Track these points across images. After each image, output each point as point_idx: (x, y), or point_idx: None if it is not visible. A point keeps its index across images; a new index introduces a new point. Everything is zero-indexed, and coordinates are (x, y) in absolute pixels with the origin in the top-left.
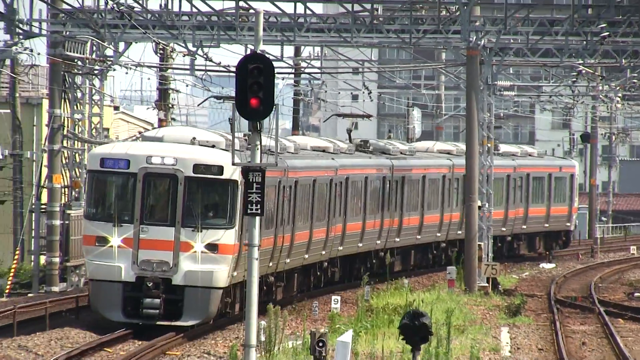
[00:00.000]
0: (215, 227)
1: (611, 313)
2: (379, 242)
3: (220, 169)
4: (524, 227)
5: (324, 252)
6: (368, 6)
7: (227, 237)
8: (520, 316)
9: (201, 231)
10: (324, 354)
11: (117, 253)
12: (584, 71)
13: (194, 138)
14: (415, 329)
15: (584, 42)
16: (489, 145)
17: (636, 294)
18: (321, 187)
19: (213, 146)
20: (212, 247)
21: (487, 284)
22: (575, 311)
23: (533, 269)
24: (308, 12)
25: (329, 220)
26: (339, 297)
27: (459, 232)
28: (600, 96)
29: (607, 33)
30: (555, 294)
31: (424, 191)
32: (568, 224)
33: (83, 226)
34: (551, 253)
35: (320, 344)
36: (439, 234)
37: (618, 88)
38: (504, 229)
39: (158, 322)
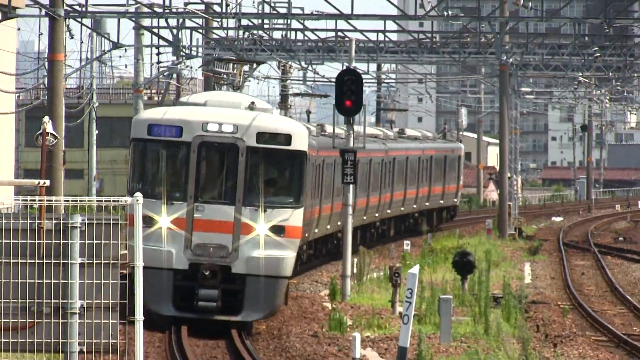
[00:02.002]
0: (282, 207)
1: (602, 252)
2: (414, 206)
3: (288, 138)
4: (427, 204)
5: (377, 214)
6: (429, 35)
7: (295, 218)
8: (538, 255)
9: (265, 211)
10: (398, 282)
11: (166, 236)
12: (582, 81)
13: (253, 102)
14: (463, 264)
15: (583, 60)
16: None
17: (619, 239)
18: (375, 165)
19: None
20: (278, 229)
21: (514, 232)
22: (577, 251)
23: (547, 221)
24: (387, 39)
25: (380, 190)
26: (409, 242)
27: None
28: (594, 98)
29: (599, 54)
30: (563, 239)
31: (430, 168)
32: (455, 200)
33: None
34: (438, 226)
35: (396, 275)
36: (427, 203)
37: (606, 93)
38: (414, 206)
39: (215, 317)
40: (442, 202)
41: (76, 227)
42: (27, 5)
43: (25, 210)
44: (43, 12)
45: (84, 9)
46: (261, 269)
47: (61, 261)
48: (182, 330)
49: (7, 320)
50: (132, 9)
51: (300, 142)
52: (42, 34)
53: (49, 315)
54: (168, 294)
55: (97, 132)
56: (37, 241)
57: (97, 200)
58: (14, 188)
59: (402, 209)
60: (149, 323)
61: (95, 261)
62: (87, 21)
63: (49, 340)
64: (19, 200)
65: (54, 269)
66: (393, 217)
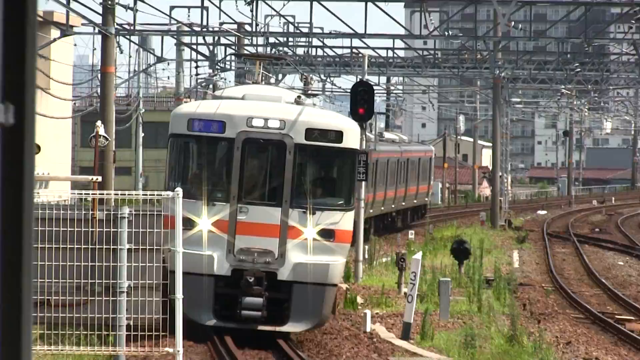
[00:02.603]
0: (332, 209)
1: (581, 241)
2: (427, 199)
3: (339, 135)
4: (403, 203)
5: (393, 206)
6: (432, 52)
7: (345, 221)
8: (525, 243)
9: (314, 213)
10: (404, 266)
11: (207, 239)
12: (564, 92)
13: (299, 96)
14: (460, 251)
15: (565, 75)
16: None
17: (596, 230)
18: (392, 164)
19: None
20: (328, 233)
21: (504, 223)
22: (559, 240)
23: (533, 214)
24: (395, 55)
25: (396, 185)
26: (413, 231)
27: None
28: (575, 108)
29: (579, 69)
30: (546, 229)
31: (407, 170)
32: (427, 199)
33: (164, 204)
34: (410, 224)
35: (402, 260)
36: (403, 203)
37: (586, 103)
38: (393, 206)
39: (259, 327)
40: (415, 201)
41: (124, 217)
42: (82, 24)
43: (81, 203)
44: (96, 30)
45: (132, 28)
46: (309, 275)
47: (111, 247)
48: (227, 340)
49: (65, 297)
50: (174, 28)
51: (352, 140)
52: (95, 49)
53: (101, 293)
54: (209, 302)
55: (143, 134)
56: (90, 229)
57: (143, 194)
58: (71, 183)
59: (385, 207)
60: (188, 333)
61: (140, 247)
62: (135, 38)
63: (100, 316)
64: (75, 193)
65: (105, 253)
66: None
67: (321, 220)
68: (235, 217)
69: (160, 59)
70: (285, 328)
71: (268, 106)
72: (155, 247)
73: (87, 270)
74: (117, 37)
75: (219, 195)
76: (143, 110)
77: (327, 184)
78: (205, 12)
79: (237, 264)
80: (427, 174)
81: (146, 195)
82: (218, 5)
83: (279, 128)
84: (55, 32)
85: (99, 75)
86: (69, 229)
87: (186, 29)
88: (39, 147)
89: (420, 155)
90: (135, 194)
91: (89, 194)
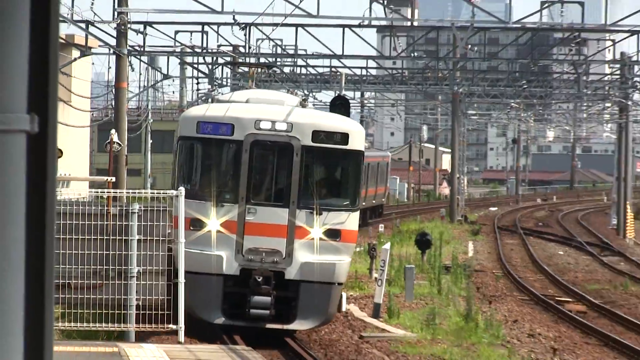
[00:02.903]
0: (338, 209)
1: (526, 233)
2: (383, 199)
3: (345, 137)
4: (364, 203)
5: (364, 203)
6: (400, 70)
7: (351, 221)
8: (478, 235)
9: (321, 214)
10: (375, 255)
11: (216, 240)
12: (513, 106)
13: (305, 99)
14: (423, 242)
15: (514, 90)
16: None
17: (539, 224)
18: (373, 167)
19: None
20: (334, 233)
21: (461, 218)
22: (507, 233)
23: (485, 210)
24: (368, 73)
25: (375, 185)
26: (383, 225)
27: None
28: (522, 119)
29: (526, 86)
30: (497, 223)
31: (368, 173)
32: (383, 199)
33: (173, 205)
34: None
35: (373, 250)
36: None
37: (531, 115)
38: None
39: (267, 326)
40: (374, 201)
41: (135, 212)
42: (99, 46)
43: (97, 200)
44: (111, 51)
45: (142, 49)
46: (316, 275)
47: (123, 237)
48: (236, 339)
49: (83, 281)
50: (178, 49)
51: (357, 142)
52: (110, 67)
53: (114, 277)
54: (217, 301)
55: (151, 141)
56: (105, 223)
57: (151, 193)
58: (89, 183)
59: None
60: (196, 331)
61: (148, 238)
62: (145, 58)
63: (113, 297)
64: (92, 192)
65: (117, 243)
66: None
67: (327, 221)
68: (244, 218)
69: (166, 76)
70: (292, 326)
71: (275, 109)
72: (161, 238)
73: (103, 258)
74: (129, 57)
75: (227, 196)
76: (151, 120)
77: (333, 185)
78: (205, 36)
79: (246, 264)
80: (385, 177)
81: (153, 193)
82: (216, 30)
83: (286, 130)
84: (75, 53)
85: (114, 90)
86: (87, 222)
87: (189, 50)
88: (61, 152)
89: (379, 160)
90: (144, 193)
91: (104, 192)
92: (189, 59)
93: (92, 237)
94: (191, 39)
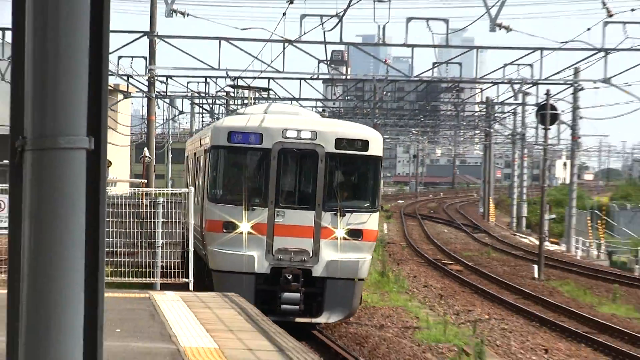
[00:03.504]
0: (359, 211)
1: (423, 218)
2: None
3: (365, 144)
4: None
5: None
6: (338, 108)
7: (372, 221)
8: (391, 219)
9: (344, 215)
10: None
11: (248, 241)
12: (414, 132)
13: (324, 110)
14: None
15: (414, 122)
16: None
17: (431, 211)
18: None
19: None
20: (356, 233)
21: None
22: (410, 217)
23: (395, 202)
24: (317, 111)
25: None
26: None
27: None
28: (420, 141)
29: (422, 119)
30: (403, 211)
31: None
32: None
33: (206, 210)
34: None
35: None
36: None
37: (426, 138)
38: None
39: (297, 320)
40: None
41: (160, 203)
42: (136, 91)
43: (135, 195)
44: (144, 95)
45: (165, 94)
46: (340, 271)
47: (152, 220)
48: None
49: (125, 249)
50: (189, 94)
51: (376, 148)
52: (143, 106)
53: (146, 247)
54: (250, 297)
55: (171, 155)
56: (140, 210)
57: (171, 191)
58: (129, 184)
59: None
60: (200, 289)
61: (168, 220)
62: (167, 100)
63: (145, 260)
64: (131, 190)
65: (148, 224)
66: None
67: (350, 222)
68: (273, 220)
69: (180, 112)
70: (319, 319)
71: (299, 119)
72: (177, 221)
73: (138, 234)
74: (156, 99)
75: (257, 200)
76: (171, 141)
77: (355, 188)
78: (207, 85)
79: (276, 263)
80: None
81: (172, 190)
82: (215, 80)
83: (311, 139)
84: (120, 96)
85: (146, 121)
86: (129, 210)
87: (196, 94)
88: (110, 163)
89: None
90: (166, 190)
91: (139, 190)
92: (196, 100)
93: (131, 220)
94: (198, 86)
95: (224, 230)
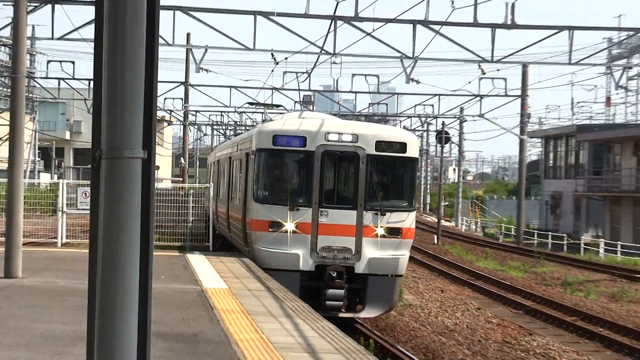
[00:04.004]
0: (398, 210)
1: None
2: None
3: (403, 146)
4: None
5: None
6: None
7: (409, 220)
8: None
9: (384, 214)
10: None
11: (293, 239)
12: None
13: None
14: None
15: None
16: None
17: None
18: None
19: None
20: (395, 231)
21: None
22: None
23: None
24: None
25: None
26: None
27: None
28: None
29: None
30: None
31: None
32: None
33: (252, 210)
34: None
35: None
36: None
37: None
38: None
39: (340, 315)
40: None
41: (190, 194)
42: (175, 121)
43: (174, 188)
44: (181, 124)
45: (195, 122)
46: (381, 268)
47: (185, 204)
48: None
49: (168, 224)
50: (210, 123)
51: (413, 150)
52: (181, 130)
53: (182, 222)
54: (295, 293)
55: (198, 162)
56: (178, 198)
57: (197, 185)
58: (171, 181)
59: None
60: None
61: (197, 205)
62: (196, 126)
63: (181, 231)
64: (173, 185)
65: (183, 207)
66: None
67: (390, 220)
68: (317, 220)
69: (204, 134)
70: (362, 314)
71: (341, 123)
72: (204, 205)
73: (177, 214)
74: (189, 125)
75: (301, 201)
76: (198, 154)
77: (394, 188)
78: (222, 116)
79: (320, 261)
80: None
81: (199, 185)
82: (227, 114)
83: (352, 141)
84: (165, 124)
85: (182, 140)
86: (170, 198)
87: (216, 123)
88: (158, 167)
89: None
90: (194, 185)
91: (177, 185)
92: (215, 127)
93: (172, 205)
94: (216, 116)
95: (270, 230)
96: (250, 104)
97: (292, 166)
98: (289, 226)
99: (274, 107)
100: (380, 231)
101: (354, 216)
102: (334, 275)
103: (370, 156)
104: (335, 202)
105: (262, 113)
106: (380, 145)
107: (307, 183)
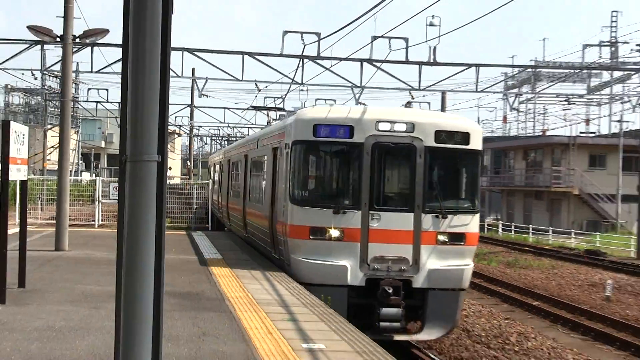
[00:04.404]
0: (461, 212)
1: None
2: None
3: (466, 137)
4: None
5: None
6: None
7: (474, 224)
8: None
9: (445, 217)
10: None
11: (339, 248)
12: None
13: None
14: None
15: None
16: None
17: None
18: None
19: None
20: (459, 237)
21: None
22: None
23: None
24: None
25: None
26: None
27: None
28: None
29: None
30: None
31: None
32: None
33: (289, 213)
34: None
35: None
36: None
37: None
38: None
39: (395, 338)
40: None
41: (194, 188)
42: (183, 133)
43: (182, 184)
44: (187, 136)
45: (198, 134)
46: (443, 281)
47: (190, 195)
48: None
49: (177, 211)
50: (209, 134)
51: (477, 141)
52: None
53: (187, 210)
54: (342, 312)
55: (200, 164)
56: (185, 191)
57: (200, 182)
58: (180, 178)
59: None
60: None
61: (199, 197)
62: (198, 137)
63: (186, 216)
64: (181, 182)
65: (189, 198)
66: None
67: (453, 224)
68: (368, 225)
69: (205, 144)
70: (420, 336)
71: (392, 110)
72: (204, 197)
73: (184, 203)
74: (194, 137)
75: (348, 202)
76: (200, 158)
77: (456, 187)
78: (218, 130)
79: (371, 273)
80: None
81: (201, 182)
82: (222, 129)
83: (408, 131)
84: (175, 135)
85: (188, 148)
86: (180, 191)
87: (213, 135)
88: (170, 168)
89: None
90: (197, 182)
91: (184, 181)
92: (213, 138)
93: (181, 196)
94: (214, 130)
95: (311, 237)
96: (254, 107)
97: (337, 161)
98: (335, 233)
99: (277, 111)
100: (442, 237)
101: (411, 220)
102: (390, 290)
103: (429, 149)
104: (389, 203)
105: (248, 128)
106: (440, 135)
107: (355, 181)
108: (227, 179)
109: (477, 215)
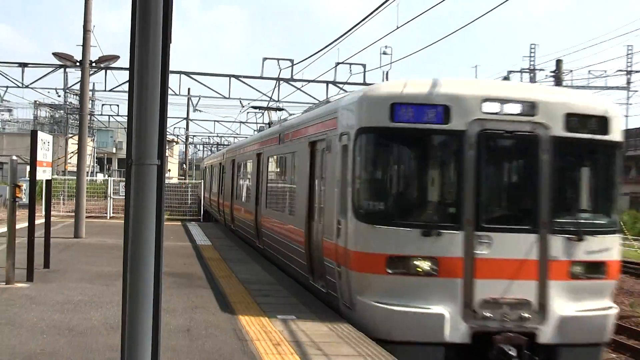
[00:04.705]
0: (602, 232)
1: None
2: None
3: (604, 123)
4: None
5: None
6: None
7: (616, 247)
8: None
9: (582, 239)
10: None
11: (432, 288)
12: None
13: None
14: None
15: None
16: None
17: None
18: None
19: None
20: (598, 268)
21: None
22: None
23: None
24: None
25: None
26: None
27: None
28: None
29: None
30: None
31: None
32: None
33: (353, 234)
34: None
35: None
36: None
37: None
38: None
39: None
40: None
41: (189, 187)
42: (181, 142)
43: (179, 183)
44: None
45: (192, 142)
46: (581, 334)
47: (186, 193)
48: None
49: (176, 205)
50: (202, 143)
51: (617, 129)
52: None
53: (184, 205)
54: None
55: (195, 167)
56: (181, 189)
57: (196, 181)
58: (177, 179)
59: None
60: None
61: (194, 194)
62: (192, 145)
63: (183, 210)
64: (178, 182)
65: (185, 195)
66: None
67: (590, 249)
68: (473, 252)
69: (198, 150)
70: None
71: (506, 83)
72: (197, 195)
73: (182, 200)
74: (189, 144)
75: (444, 219)
76: (195, 162)
77: (593, 195)
78: (209, 139)
79: (480, 325)
80: None
81: (194, 182)
82: (212, 138)
83: (527, 113)
84: (174, 144)
85: (183, 154)
86: (176, 190)
87: (206, 143)
88: (169, 170)
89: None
90: (191, 182)
91: (181, 181)
92: (207, 146)
93: (178, 193)
94: (206, 139)
95: (389, 271)
96: (254, 107)
97: (425, 158)
98: (424, 264)
99: (277, 111)
100: (577, 269)
101: (535, 243)
102: (510, 352)
103: (558, 140)
104: (504, 220)
105: (235, 137)
106: (571, 120)
107: (452, 188)
108: (231, 181)
109: (618, 237)
